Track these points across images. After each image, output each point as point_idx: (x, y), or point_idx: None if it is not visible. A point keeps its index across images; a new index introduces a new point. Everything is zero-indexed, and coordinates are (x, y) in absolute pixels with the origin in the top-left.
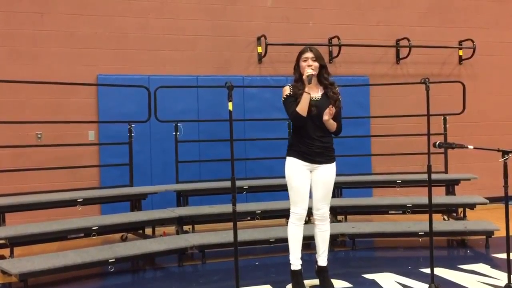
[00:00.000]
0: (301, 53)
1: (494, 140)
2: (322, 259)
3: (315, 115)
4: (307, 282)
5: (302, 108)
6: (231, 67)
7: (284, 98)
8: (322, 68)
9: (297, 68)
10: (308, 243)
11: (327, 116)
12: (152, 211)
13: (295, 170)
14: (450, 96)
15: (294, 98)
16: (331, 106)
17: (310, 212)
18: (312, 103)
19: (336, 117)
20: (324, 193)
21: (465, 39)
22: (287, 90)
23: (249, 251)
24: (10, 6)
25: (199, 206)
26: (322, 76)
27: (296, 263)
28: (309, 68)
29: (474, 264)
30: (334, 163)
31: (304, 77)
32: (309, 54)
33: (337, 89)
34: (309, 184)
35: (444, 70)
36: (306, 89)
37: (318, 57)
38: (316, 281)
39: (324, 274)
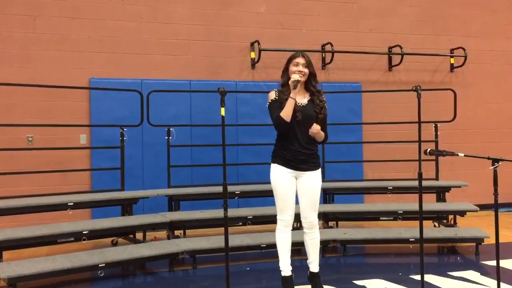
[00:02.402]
0: (292, 57)
1: (484, 147)
2: (314, 266)
3: (300, 121)
4: None
5: (286, 113)
6: (224, 72)
7: (269, 102)
8: (311, 75)
9: (286, 72)
10: (299, 249)
11: (313, 131)
12: (143, 215)
13: (281, 177)
14: (441, 104)
15: (279, 103)
16: (315, 124)
17: (298, 219)
18: (298, 109)
19: (323, 126)
20: (311, 201)
21: (456, 47)
22: (272, 95)
23: (241, 256)
24: (2, 9)
25: (191, 211)
26: (310, 83)
27: (286, 269)
28: (298, 74)
29: (464, 271)
30: (319, 170)
31: (290, 82)
32: (300, 60)
33: (323, 97)
34: (294, 190)
35: (436, 77)
36: (292, 94)
37: (309, 64)
38: (307, 287)
39: (316, 280)
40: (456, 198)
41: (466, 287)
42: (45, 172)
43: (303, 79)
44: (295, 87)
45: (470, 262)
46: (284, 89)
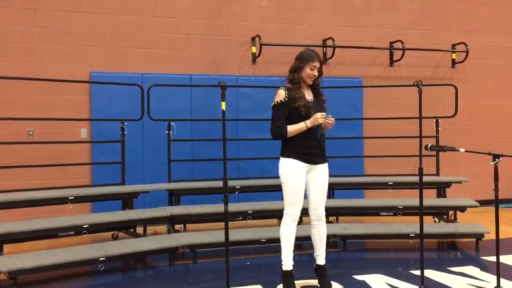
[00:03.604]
0: (309, 59)
1: (485, 143)
2: (320, 258)
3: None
4: (297, 283)
5: (294, 133)
6: (225, 67)
7: (276, 103)
8: (319, 75)
9: (299, 70)
10: (300, 243)
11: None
12: (144, 210)
13: (295, 172)
14: (442, 99)
15: (286, 107)
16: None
17: (303, 213)
18: (310, 105)
19: None
20: (321, 192)
21: (458, 43)
22: (281, 95)
23: (241, 251)
24: (3, 2)
25: (191, 206)
26: (315, 82)
27: (288, 263)
28: (323, 119)
29: (463, 266)
30: (327, 163)
31: (320, 121)
32: (317, 64)
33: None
34: (305, 185)
35: (437, 73)
36: (309, 124)
37: (321, 67)
38: (306, 282)
39: (322, 273)
40: (456, 194)
41: (466, 282)
42: (45, 166)
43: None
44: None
45: (470, 257)
46: (295, 86)
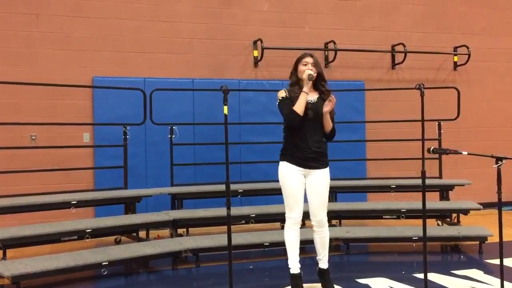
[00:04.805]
0: (300, 58)
1: (488, 146)
2: (323, 262)
3: (310, 119)
4: (306, 286)
5: (300, 106)
6: (227, 71)
7: (279, 100)
8: (319, 75)
9: (295, 72)
10: (303, 247)
11: (327, 107)
12: (147, 214)
13: (289, 175)
14: (444, 102)
15: (289, 100)
16: (332, 96)
17: (305, 216)
18: (309, 106)
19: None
20: (319, 199)
21: (460, 45)
22: (282, 93)
23: (244, 255)
24: (5, 8)
25: (194, 210)
26: (318, 83)
27: (294, 267)
28: (309, 69)
29: (467, 269)
30: (328, 168)
31: (304, 76)
32: (309, 59)
33: (332, 96)
34: (303, 188)
35: (439, 75)
36: (305, 89)
37: (317, 64)
38: (309, 285)
39: (325, 277)
40: (459, 197)
41: (469, 285)
42: (48, 170)
43: (315, 74)
44: (310, 79)
45: (473, 260)
46: (294, 88)
